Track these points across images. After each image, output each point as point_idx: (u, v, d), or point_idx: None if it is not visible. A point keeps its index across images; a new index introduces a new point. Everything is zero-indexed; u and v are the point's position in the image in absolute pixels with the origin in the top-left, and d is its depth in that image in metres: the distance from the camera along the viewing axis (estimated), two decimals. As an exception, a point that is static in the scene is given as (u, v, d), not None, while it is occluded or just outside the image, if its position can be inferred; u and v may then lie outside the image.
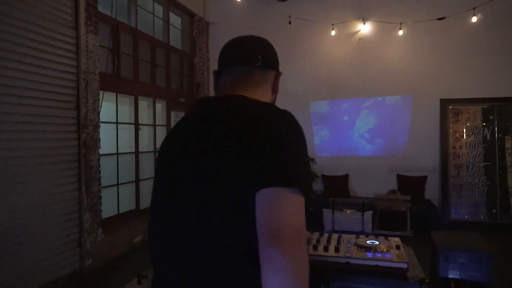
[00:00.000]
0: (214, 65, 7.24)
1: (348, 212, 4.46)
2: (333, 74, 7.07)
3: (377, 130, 6.85)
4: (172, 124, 6.89)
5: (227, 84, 1.10)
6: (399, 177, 6.67)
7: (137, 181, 5.76)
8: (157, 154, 1.16)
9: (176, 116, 7.09)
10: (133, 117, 5.69)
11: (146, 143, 6.09)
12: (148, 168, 6.08)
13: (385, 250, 1.61)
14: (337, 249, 1.55)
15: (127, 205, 5.57)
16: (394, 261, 1.45)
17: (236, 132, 0.91)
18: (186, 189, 0.96)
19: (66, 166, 4.20)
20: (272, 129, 0.91)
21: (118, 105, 5.40)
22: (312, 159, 6.89)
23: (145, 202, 5.90)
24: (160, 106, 6.53)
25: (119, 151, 5.39)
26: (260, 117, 0.94)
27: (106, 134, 5.13)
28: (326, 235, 1.83)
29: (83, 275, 4.32)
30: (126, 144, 5.62)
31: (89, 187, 4.51)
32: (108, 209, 5.07)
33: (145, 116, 6.11)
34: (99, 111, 4.71)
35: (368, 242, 1.67)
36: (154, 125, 6.28)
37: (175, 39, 7.09)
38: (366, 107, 6.90)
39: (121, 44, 5.36)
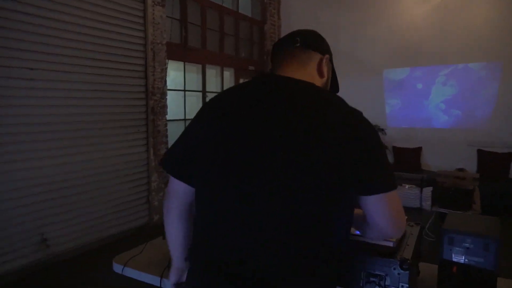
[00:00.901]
0: (285, 32, 7.14)
1: (407, 187, 4.26)
2: (409, 39, 6.52)
3: (455, 101, 6.23)
4: (241, 92, 7.07)
5: (278, 62, 1.17)
6: (480, 152, 6.06)
7: (204, 146, 6.11)
8: (207, 117, 1.10)
9: (245, 84, 7.24)
10: (201, 85, 5.96)
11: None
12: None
13: None
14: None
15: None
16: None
17: (332, 126, 0.97)
18: (269, 174, 0.95)
19: (135, 130, 4.63)
20: (368, 131, 1.02)
21: (186, 73, 5.71)
22: (382, 130, 6.58)
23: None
24: (228, 74, 6.73)
25: (186, 117, 5.74)
26: (351, 114, 1.03)
27: (174, 101, 5.49)
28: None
29: (150, 228, 4.82)
30: (194, 110, 5.93)
31: (156, 150, 4.94)
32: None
33: (212, 83, 6.35)
34: (166, 80, 5.03)
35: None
36: (222, 93, 6.51)
37: (245, 7, 7.11)
38: (444, 75, 6.29)
39: (188, 14, 5.58)
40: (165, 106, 5.04)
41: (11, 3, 3.26)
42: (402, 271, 1.32)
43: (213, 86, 6.36)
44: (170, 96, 5.23)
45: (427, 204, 4.01)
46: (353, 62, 7.04)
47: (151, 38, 4.70)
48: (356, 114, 1.05)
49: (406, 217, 1.23)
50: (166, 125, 5.09)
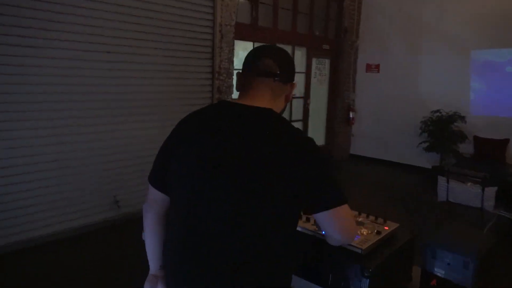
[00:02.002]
0: (366, 9, 6.80)
1: (468, 184, 3.98)
2: (504, 16, 5.77)
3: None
4: (313, 71, 7.04)
5: (252, 91, 1.20)
6: None
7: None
8: (179, 136, 1.20)
9: (318, 63, 7.17)
10: (270, 64, 6.08)
11: (281, 90, 6.46)
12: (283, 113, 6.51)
13: (364, 232, 1.58)
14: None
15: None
16: (351, 245, 1.45)
17: (290, 152, 1.08)
18: (238, 195, 1.05)
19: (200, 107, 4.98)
20: (315, 155, 1.13)
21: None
22: (463, 117, 6.05)
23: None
24: (300, 53, 6.72)
25: (253, 96, 5.94)
26: (306, 144, 1.13)
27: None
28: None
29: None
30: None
31: (221, 126, 5.26)
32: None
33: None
34: (233, 60, 5.25)
35: (358, 220, 1.66)
36: (292, 72, 6.56)
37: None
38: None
39: (260, -6, 5.67)
40: (231, 86, 5.30)
41: (92, -6, 3.72)
42: (363, 278, 1.37)
43: (283, 66, 6.42)
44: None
45: (489, 205, 3.71)
46: (437, 38, 6.52)
47: (219, 20, 4.93)
48: (306, 141, 1.15)
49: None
50: (231, 103, 5.36)
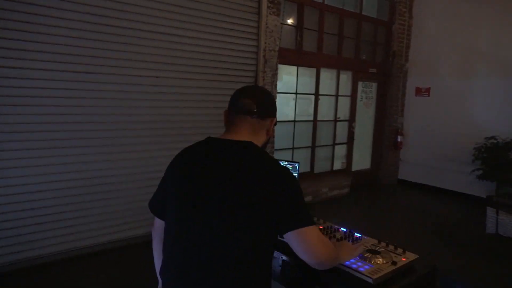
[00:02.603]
0: (416, 32, 6.68)
1: (520, 217, 3.74)
2: None
3: None
4: (359, 94, 6.99)
5: (234, 127, 1.40)
6: None
7: (313, 146, 6.31)
8: (173, 169, 1.41)
9: (365, 86, 7.11)
10: (314, 88, 6.15)
11: (325, 112, 6.48)
12: (325, 135, 6.51)
13: (379, 261, 1.56)
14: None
15: (302, 167, 6.21)
16: (361, 273, 1.44)
17: (263, 180, 1.24)
18: (218, 221, 1.23)
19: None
20: (285, 181, 1.27)
21: (300, 77, 5.97)
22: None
23: (319, 167, 6.43)
24: (345, 77, 6.71)
25: (296, 119, 6.02)
26: (278, 172, 1.28)
27: (285, 104, 5.83)
28: (363, 239, 1.86)
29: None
30: (304, 113, 6.17)
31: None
32: (281, 169, 5.85)
33: (327, 86, 6.45)
34: (276, 84, 5.39)
35: (376, 249, 1.64)
36: (336, 95, 6.57)
37: (369, 8, 6.92)
38: None
39: (305, 20, 5.80)
40: (273, 109, 5.41)
41: (143, 25, 4.04)
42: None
43: (327, 89, 6.46)
44: (281, 98, 5.59)
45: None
46: (492, 62, 6.23)
47: (263, 46, 5.11)
48: (277, 169, 1.29)
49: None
50: (274, 124, 5.46)
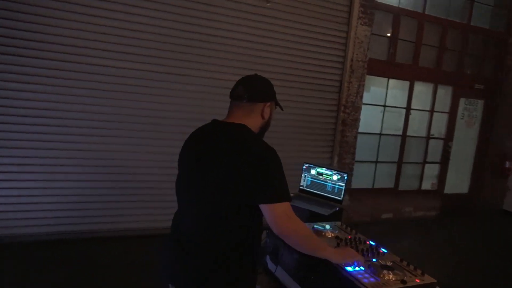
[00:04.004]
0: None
1: None
2: None
3: None
4: (460, 112, 6.47)
5: (230, 112, 1.61)
6: None
7: (399, 162, 6.03)
8: (182, 148, 1.67)
9: (468, 104, 6.53)
10: (405, 101, 5.88)
11: (416, 128, 6.13)
12: (415, 152, 6.16)
13: (388, 277, 1.53)
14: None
15: (384, 182, 5.99)
16: (363, 284, 1.45)
17: (245, 155, 1.42)
18: (202, 188, 1.48)
19: (323, 138, 5.19)
20: (264, 156, 1.43)
21: (390, 89, 5.77)
22: None
23: (404, 184, 6.11)
24: (443, 91, 6.26)
25: (382, 132, 5.83)
26: (260, 150, 1.44)
27: (372, 115, 5.70)
28: (387, 254, 1.85)
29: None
30: (393, 126, 5.93)
31: (342, 158, 5.34)
32: (361, 181, 5.73)
33: (421, 101, 6.09)
34: (362, 95, 5.32)
35: (384, 266, 1.61)
36: (432, 111, 6.17)
37: (480, 18, 6.32)
38: None
39: (400, 31, 5.59)
40: (357, 120, 5.35)
41: (210, 38, 4.41)
42: (364, 317, 1.40)
43: (421, 104, 6.10)
44: (367, 110, 5.49)
45: None
46: None
47: (351, 56, 5.10)
48: (260, 148, 1.45)
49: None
50: (355, 137, 5.40)
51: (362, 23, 5.11)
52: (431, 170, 6.44)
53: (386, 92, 5.76)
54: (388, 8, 5.43)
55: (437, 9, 5.87)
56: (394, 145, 5.98)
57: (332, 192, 2.51)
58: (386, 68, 5.61)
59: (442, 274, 4.08)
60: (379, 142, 5.85)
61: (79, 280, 3.30)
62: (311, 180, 2.61)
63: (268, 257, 2.05)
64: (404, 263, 1.74)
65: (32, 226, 3.85)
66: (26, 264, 3.46)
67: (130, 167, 4.17)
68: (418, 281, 1.58)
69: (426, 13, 5.76)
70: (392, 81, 5.78)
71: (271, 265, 2.00)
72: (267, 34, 4.60)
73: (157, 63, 4.13)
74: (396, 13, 5.52)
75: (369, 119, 5.65)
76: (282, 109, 1.76)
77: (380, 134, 5.84)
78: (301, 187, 2.66)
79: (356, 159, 5.53)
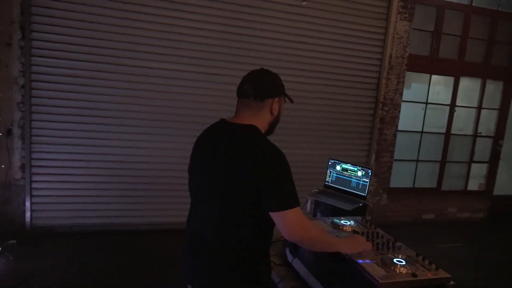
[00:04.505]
0: None
1: None
2: None
3: None
4: (511, 108, 6.10)
5: (238, 111, 1.57)
6: None
7: (443, 161, 5.80)
8: (194, 147, 1.63)
9: (521, 99, 6.13)
10: (449, 98, 5.65)
11: (461, 125, 5.86)
12: (460, 150, 5.90)
13: (399, 270, 1.53)
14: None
15: (426, 182, 5.79)
16: (371, 275, 1.47)
17: (254, 161, 1.40)
18: (213, 191, 1.48)
19: (359, 136, 5.13)
20: (275, 162, 1.41)
21: (433, 85, 5.57)
22: None
23: (448, 184, 5.87)
24: (492, 87, 5.93)
25: (424, 130, 5.64)
26: (269, 155, 1.42)
27: (413, 113, 5.53)
28: (402, 248, 1.85)
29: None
30: (435, 124, 5.72)
31: (379, 157, 5.25)
32: (400, 181, 5.59)
33: (465, 97, 5.81)
34: (402, 92, 5.18)
35: (396, 259, 1.61)
36: (479, 108, 5.87)
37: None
38: None
39: (444, 24, 5.38)
40: (396, 117, 5.23)
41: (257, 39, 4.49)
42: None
43: (467, 100, 5.82)
44: (407, 107, 5.35)
45: None
46: None
47: (389, 52, 4.99)
48: (270, 152, 1.42)
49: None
50: (394, 135, 5.28)
51: (402, 18, 4.99)
52: (479, 170, 6.12)
53: (428, 89, 5.57)
54: (431, 2, 5.24)
55: (486, 0, 5.57)
56: (437, 143, 5.76)
57: (356, 188, 2.52)
58: (428, 64, 5.42)
59: (484, 280, 3.94)
60: (420, 141, 5.67)
61: (119, 267, 3.56)
62: (336, 176, 2.63)
63: (287, 249, 2.11)
64: (420, 257, 1.73)
65: (80, 218, 4.18)
66: (74, 251, 3.79)
67: (170, 163, 4.39)
68: (430, 275, 1.58)
69: (473, 5, 5.49)
70: (435, 77, 5.57)
71: (289, 257, 2.07)
72: (303, 33, 4.63)
73: (200, 64, 4.32)
74: (440, 7, 5.31)
75: (409, 117, 5.50)
76: (292, 101, 1.68)
77: (422, 132, 5.66)
78: (326, 183, 2.69)
79: (395, 157, 5.41)
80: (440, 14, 5.34)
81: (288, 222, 1.41)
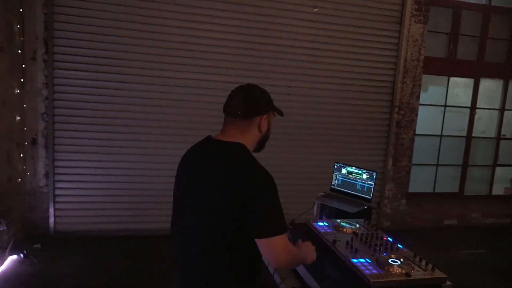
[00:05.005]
0: None
1: None
2: None
3: None
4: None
5: (225, 128, 1.50)
6: None
7: (464, 165, 5.66)
8: (178, 165, 1.58)
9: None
10: (469, 100, 5.52)
11: (482, 128, 5.71)
12: (482, 154, 5.74)
13: (392, 270, 1.53)
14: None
15: (447, 186, 5.66)
16: (364, 274, 1.47)
17: (241, 184, 1.33)
18: (196, 212, 1.41)
19: (375, 140, 5.08)
20: (262, 186, 1.34)
21: (451, 88, 5.47)
22: None
23: (471, 189, 5.72)
24: (515, 88, 5.76)
25: (443, 134, 5.53)
26: (256, 179, 1.35)
27: (431, 116, 5.44)
28: (401, 250, 1.85)
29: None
30: (455, 127, 5.60)
31: (397, 161, 5.18)
32: (420, 185, 5.49)
33: (486, 99, 5.67)
34: (418, 95, 5.11)
35: (392, 260, 1.61)
36: (502, 109, 5.70)
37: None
38: None
39: (462, 26, 5.29)
40: (413, 121, 5.15)
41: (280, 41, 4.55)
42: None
43: (488, 102, 5.68)
44: (425, 110, 5.28)
45: None
46: None
47: (404, 55, 4.95)
48: (257, 176, 1.36)
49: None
50: (412, 139, 5.20)
51: (417, 20, 4.94)
52: (504, 174, 5.93)
53: (447, 91, 5.47)
54: (446, 3, 5.17)
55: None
56: (458, 147, 5.64)
57: (361, 191, 2.52)
58: (446, 66, 5.34)
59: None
60: (439, 144, 5.56)
61: (135, 270, 3.67)
62: (341, 179, 2.65)
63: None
64: (417, 258, 1.73)
65: (99, 223, 4.33)
66: (93, 254, 3.94)
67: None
68: (425, 275, 1.58)
69: (492, 4, 5.37)
70: (453, 79, 5.47)
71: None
72: (316, 39, 4.66)
73: (215, 73, 4.42)
74: (457, 7, 5.23)
75: (427, 120, 5.41)
76: (282, 115, 1.61)
77: (441, 136, 5.55)
78: (332, 186, 2.70)
79: (414, 161, 5.32)
80: (456, 15, 5.26)
81: (275, 249, 1.34)
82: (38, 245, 3.94)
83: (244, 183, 1.33)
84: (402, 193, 5.29)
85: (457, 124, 5.60)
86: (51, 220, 4.19)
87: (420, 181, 5.49)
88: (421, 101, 5.21)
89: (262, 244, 1.35)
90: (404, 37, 4.92)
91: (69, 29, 4.01)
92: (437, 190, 5.62)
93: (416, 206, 5.40)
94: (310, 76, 4.72)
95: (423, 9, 4.95)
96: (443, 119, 5.51)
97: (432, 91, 5.44)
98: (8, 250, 3.63)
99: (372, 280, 1.49)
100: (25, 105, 3.97)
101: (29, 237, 4.05)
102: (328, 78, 4.78)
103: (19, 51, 3.83)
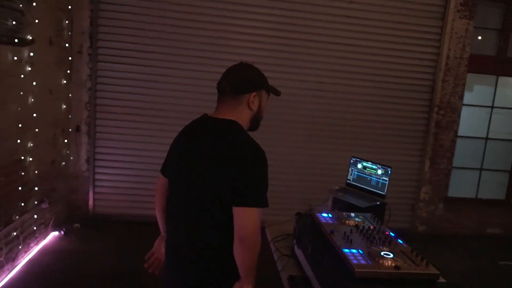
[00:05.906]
0: None
1: None
2: None
3: None
4: None
5: (217, 106, 1.56)
6: None
7: (512, 171, 5.29)
8: (175, 139, 1.63)
9: None
10: (520, 101, 5.16)
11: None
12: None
13: (382, 262, 1.49)
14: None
15: (492, 192, 5.31)
16: (351, 263, 1.46)
17: (231, 155, 1.40)
18: (189, 187, 1.49)
19: (412, 141, 4.90)
20: (251, 157, 1.41)
21: (500, 87, 5.13)
22: None
23: (518, 197, 5.32)
24: None
25: (489, 136, 5.19)
26: (246, 152, 1.42)
27: (476, 117, 5.14)
28: (399, 245, 1.81)
29: (412, 235, 4.92)
30: (503, 130, 5.23)
31: (435, 163, 4.95)
32: (461, 189, 5.21)
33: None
34: (462, 95, 4.85)
35: (384, 252, 1.56)
36: (560, 112, 5.25)
37: None
38: None
39: (514, 22, 4.94)
40: (454, 122, 4.91)
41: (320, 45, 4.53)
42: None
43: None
44: (469, 111, 5.01)
45: None
46: None
47: (446, 52, 4.72)
48: (247, 149, 1.42)
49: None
50: (453, 140, 4.95)
51: (461, 16, 4.69)
52: (559, 183, 5.45)
53: (495, 91, 5.13)
54: (497, -2, 4.86)
55: None
56: (505, 151, 5.27)
57: (376, 187, 2.48)
58: (495, 64, 5.01)
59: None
60: (484, 147, 5.23)
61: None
62: (357, 174, 2.61)
63: (294, 241, 2.17)
64: (414, 253, 1.69)
65: (133, 208, 4.56)
66: (127, 237, 4.18)
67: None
68: (416, 269, 1.54)
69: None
70: (502, 79, 5.12)
71: (297, 249, 2.12)
72: (352, 35, 4.59)
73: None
74: (508, 2, 4.89)
75: (472, 122, 5.12)
76: (277, 94, 1.65)
77: (486, 139, 5.22)
78: (348, 181, 2.68)
79: (454, 164, 5.06)
80: (508, 10, 4.92)
81: (246, 218, 1.37)
82: (78, 225, 4.25)
83: (233, 156, 1.39)
84: (439, 197, 5.06)
85: (505, 127, 5.23)
86: (90, 202, 4.50)
87: (461, 186, 5.20)
88: (465, 101, 4.94)
89: (237, 212, 1.38)
90: (447, 34, 4.69)
91: (112, 24, 4.28)
92: (480, 196, 5.29)
93: (455, 211, 5.13)
94: (346, 73, 4.66)
95: (469, 4, 4.69)
96: (490, 120, 5.18)
97: (477, 91, 5.13)
98: (50, 226, 3.96)
99: (357, 270, 1.49)
100: (70, 95, 4.30)
101: (71, 216, 4.38)
102: (364, 75, 4.69)
103: (67, 45, 4.15)
